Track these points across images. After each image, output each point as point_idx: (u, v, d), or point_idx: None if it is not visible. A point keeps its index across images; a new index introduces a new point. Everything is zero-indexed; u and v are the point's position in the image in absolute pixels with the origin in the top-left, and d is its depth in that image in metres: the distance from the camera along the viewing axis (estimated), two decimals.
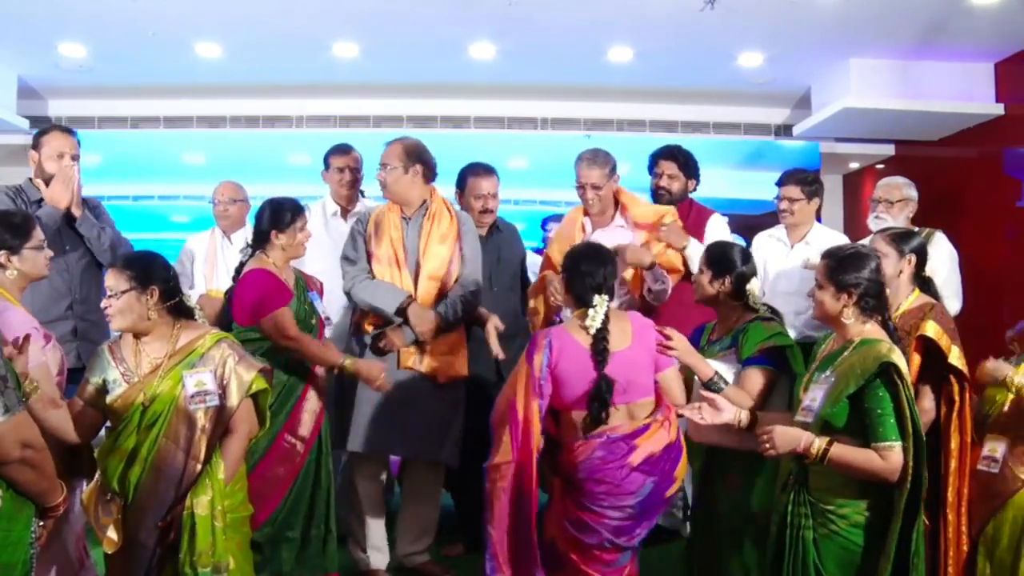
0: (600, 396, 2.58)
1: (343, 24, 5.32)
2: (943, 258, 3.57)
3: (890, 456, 2.18)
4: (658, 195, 3.83)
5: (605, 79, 6.27)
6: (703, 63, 5.95)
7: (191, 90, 6.40)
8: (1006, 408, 2.58)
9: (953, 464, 2.71)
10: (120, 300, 2.46)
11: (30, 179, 3.56)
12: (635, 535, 2.65)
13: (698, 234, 3.60)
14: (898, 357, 2.24)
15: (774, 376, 2.73)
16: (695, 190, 3.90)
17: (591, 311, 2.65)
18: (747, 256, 2.90)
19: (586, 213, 3.67)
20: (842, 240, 3.66)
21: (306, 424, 3.11)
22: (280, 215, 3.12)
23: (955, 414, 2.71)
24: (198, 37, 5.51)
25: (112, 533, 2.32)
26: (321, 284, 3.41)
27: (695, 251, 3.42)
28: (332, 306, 3.59)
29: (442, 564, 3.59)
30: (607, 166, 3.52)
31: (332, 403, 3.36)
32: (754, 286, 2.84)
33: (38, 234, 2.60)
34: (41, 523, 2.05)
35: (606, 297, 2.68)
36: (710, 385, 2.70)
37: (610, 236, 3.50)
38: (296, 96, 6.57)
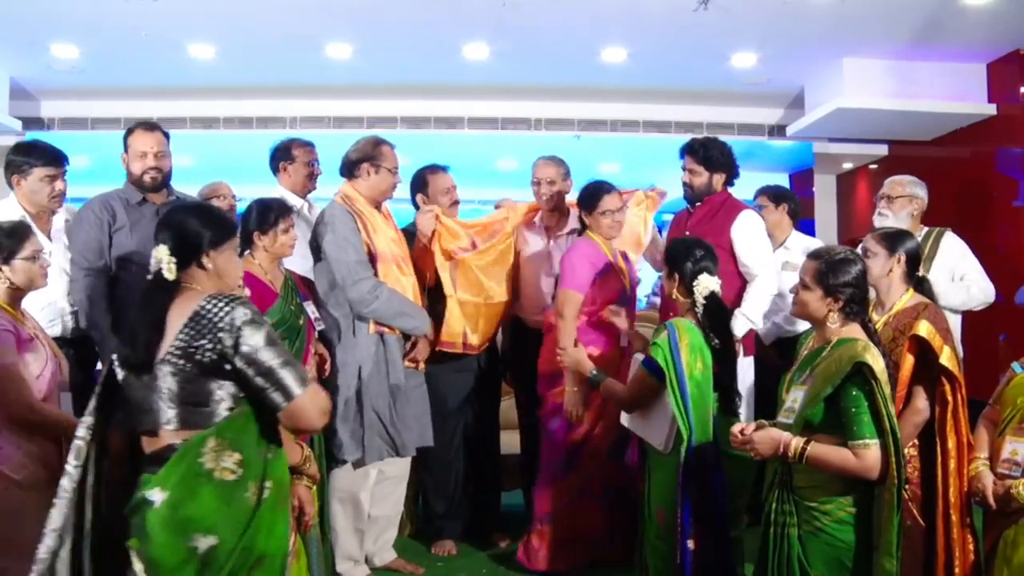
0: None
1: (336, 25, 5.32)
2: (956, 256, 3.70)
3: (865, 455, 2.17)
4: (683, 190, 3.85)
5: (599, 79, 6.27)
6: (696, 63, 5.96)
7: (184, 91, 6.39)
8: None
9: (952, 464, 2.67)
10: None
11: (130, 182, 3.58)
12: None
13: (725, 230, 3.59)
14: (872, 356, 2.23)
15: (648, 379, 2.82)
16: (731, 183, 3.81)
17: None
18: (702, 255, 2.86)
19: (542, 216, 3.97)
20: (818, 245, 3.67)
21: None
22: (263, 216, 3.10)
23: (949, 414, 2.68)
24: (191, 38, 5.50)
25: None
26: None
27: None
28: None
29: (411, 561, 3.60)
30: (563, 167, 3.90)
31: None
32: (705, 283, 2.81)
33: (33, 244, 2.55)
34: None
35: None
36: (590, 380, 3.15)
37: (563, 243, 3.87)
38: (289, 97, 6.55)
